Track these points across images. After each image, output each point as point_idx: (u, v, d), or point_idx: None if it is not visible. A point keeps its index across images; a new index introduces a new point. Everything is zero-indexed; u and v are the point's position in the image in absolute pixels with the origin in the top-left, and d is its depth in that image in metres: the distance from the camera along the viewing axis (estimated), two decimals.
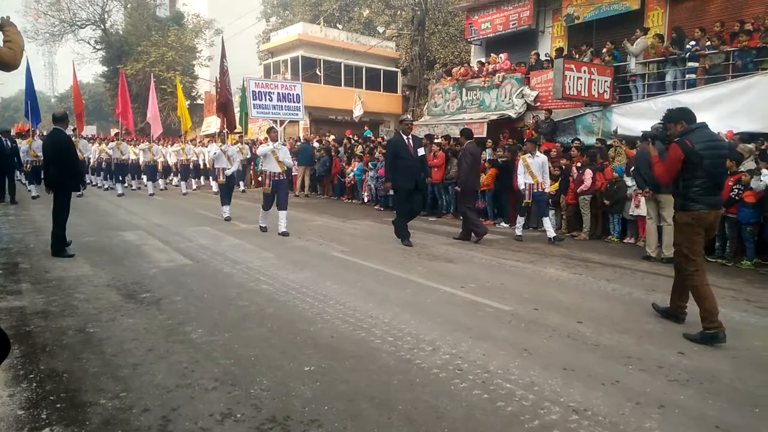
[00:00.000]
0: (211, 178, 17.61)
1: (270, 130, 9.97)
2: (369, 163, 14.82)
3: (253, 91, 11.39)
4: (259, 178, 16.74)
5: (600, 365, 3.77)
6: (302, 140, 19.10)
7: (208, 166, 17.22)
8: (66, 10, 34.51)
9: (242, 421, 2.90)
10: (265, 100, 12.21)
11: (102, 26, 35.56)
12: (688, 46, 11.22)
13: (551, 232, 9.12)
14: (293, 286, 5.69)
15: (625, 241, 9.32)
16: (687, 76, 11.21)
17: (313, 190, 17.78)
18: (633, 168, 8.51)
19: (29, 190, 14.76)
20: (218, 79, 14.64)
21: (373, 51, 26.78)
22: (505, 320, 4.79)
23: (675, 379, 3.57)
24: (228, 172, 11.14)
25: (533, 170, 9.08)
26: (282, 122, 14.29)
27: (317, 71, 25.60)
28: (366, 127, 22.70)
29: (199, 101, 35.72)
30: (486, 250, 8.36)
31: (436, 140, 13.34)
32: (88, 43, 36.42)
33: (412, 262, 7.28)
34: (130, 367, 3.54)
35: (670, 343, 4.26)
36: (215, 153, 11.64)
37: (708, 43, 10.92)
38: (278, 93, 13.10)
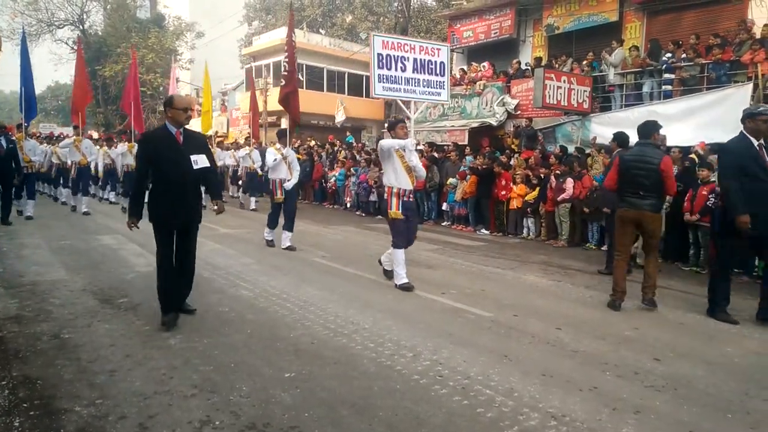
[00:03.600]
0: (238, 190, 16.01)
1: (280, 134, 8.74)
2: (351, 169, 14.82)
3: (379, 54, 6.78)
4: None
5: (578, 371, 3.82)
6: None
7: (259, 174, 14.40)
8: (44, 9, 33.94)
9: (221, 428, 2.87)
10: (397, 68, 7.02)
11: (80, 27, 35.04)
12: (664, 58, 11.48)
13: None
14: (274, 292, 5.66)
15: (603, 248, 9.44)
16: (663, 87, 11.46)
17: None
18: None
19: (19, 210, 10.99)
20: (285, 61, 9.85)
21: (355, 57, 26.83)
22: (485, 326, 4.82)
23: (651, 384, 3.63)
24: (288, 185, 8.37)
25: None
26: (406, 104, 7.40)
27: (299, 76, 25.53)
28: (348, 133, 22.69)
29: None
30: (467, 256, 8.41)
31: (419, 147, 13.39)
32: (66, 43, 35.82)
33: None
34: (107, 374, 3.48)
35: (646, 349, 4.33)
36: (275, 159, 8.31)
37: (683, 55, 11.18)
38: (415, 59, 7.23)
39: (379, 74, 6.59)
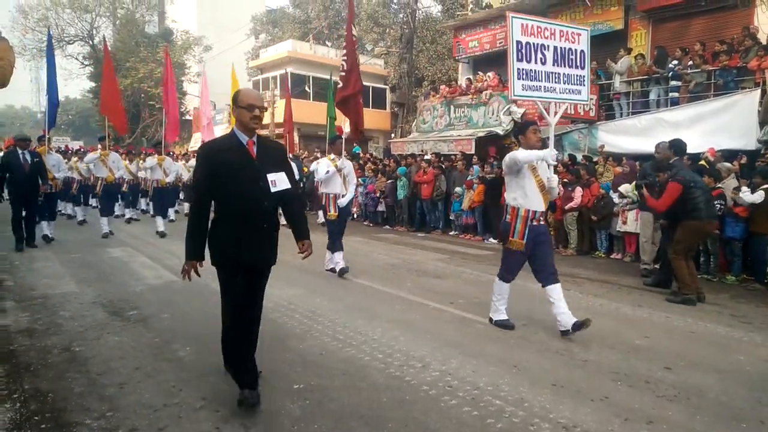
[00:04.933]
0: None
1: (335, 141, 7.93)
2: (359, 179, 14.85)
3: (518, 43, 5.46)
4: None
5: (589, 381, 3.79)
6: (292, 157, 19.11)
7: (316, 187, 12.82)
8: (54, 26, 34.45)
9: None
10: (536, 60, 5.64)
11: (90, 42, 35.51)
12: (670, 66, 11.46)
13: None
14: (282, 303, 5.67)
15: (612, 256, 9.40)
16: (670, 94, 11.43)
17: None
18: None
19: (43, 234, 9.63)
20: (343, 59, 8.22)
21: (362, 68, 26.92)
22: (494, 336, 4.80)
23: (662, 394, 3.59)
24: (343, 202, 7.32)
25: None
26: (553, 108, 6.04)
27: (306, 88, 25.72)
28: (355, 144, 22.78)
29: (187, 117, 35.66)
30: (475, 266, 8.38)
31: (426, 157, 13.43)
32: (76, 58, 36.32)
33: (401, 278, 7.28)
34: (117, 387, 3.50)
35: (656, 358, 4.29)
36: (328, 171, 7.28)
37: (690, 62, 11.16)
38: (555, 48, 5.78)
39: (518, 69, 5.34)
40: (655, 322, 5.42)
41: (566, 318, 4.72)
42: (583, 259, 9.31)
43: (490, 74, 15.43)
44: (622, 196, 8.78)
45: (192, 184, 3.47)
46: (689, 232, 6.25)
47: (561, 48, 5.65)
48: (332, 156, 7.64)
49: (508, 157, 4.90)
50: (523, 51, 5.38)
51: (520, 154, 4.82)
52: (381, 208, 13.68)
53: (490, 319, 5.17)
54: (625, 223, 8.95)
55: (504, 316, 5.11)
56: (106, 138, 10.99)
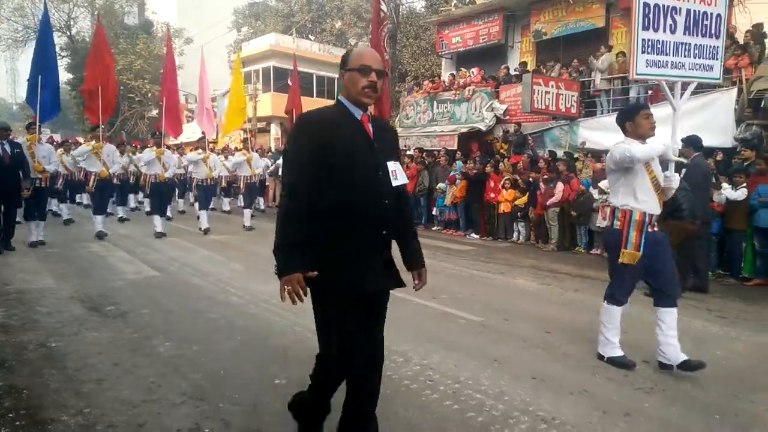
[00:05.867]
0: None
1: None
2: None
3: (645, 5, 4.29)
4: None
5: (568, 375, 3.84)
6: (274, 151, 18.98)
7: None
8: (30, 15, 33.71)
9: None
10: (665, 29, 4.40)
11: (68, 33, 34.84)
12: None
13: None
14: (264, 298, 5.64)
15: (591, 252, 9.51)
16: (649, 92, 11.57)
17: None
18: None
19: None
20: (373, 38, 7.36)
21: None
22: (476, 331, 4.83)
23: (640, 387, 3.65)
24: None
25: None
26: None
27: (289, 82, 25.55)
28: None
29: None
30: (457, 261, 8.43)
31: (408, 152, 13.44)
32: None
33: None
34: (95, 383, 3.44)
35: (636, 352, 4.35)
36: None
37: None
38: (688, 11, 4.49)
39: (643, 40, 4.36)
40: (633, 316, 5.49)
41: (673, 352, 3.89)
42: (563, 255, 9.41)
43: (474, 70, 15.49)
44: (601, 192, 8.89)
45: (286, 168, 2.37)
46: (671, 232, 6.26)
47: (695, 11, 4.58)
48: None
49: (617, 152, 3.94)
50: (651, 16, 4.39)
51: (635, 148, 3.85)
52: None
53: (601, 356, 4.12)
54: (605, 219, 9.03)
55: (619, 352, 4.08)
56: (99, 127, 9.96)
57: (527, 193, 10.45)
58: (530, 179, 10.50)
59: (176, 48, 35.74)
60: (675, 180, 4.09)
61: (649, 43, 4.45)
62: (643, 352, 4.32)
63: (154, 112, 31.93)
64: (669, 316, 3.93)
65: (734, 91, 9.72)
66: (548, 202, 9.79)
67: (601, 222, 9.19)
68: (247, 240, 9.64)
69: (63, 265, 7.10)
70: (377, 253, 2.40)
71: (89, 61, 10.51)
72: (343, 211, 2.28)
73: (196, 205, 11.98)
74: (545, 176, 10.07)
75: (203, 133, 13.22)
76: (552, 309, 5.71)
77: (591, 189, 9.49)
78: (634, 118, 4.05)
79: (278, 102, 24.31)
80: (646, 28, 4.40)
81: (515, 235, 10.77)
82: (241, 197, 13.94)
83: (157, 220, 9.92)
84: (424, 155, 13.28)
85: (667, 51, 4.52)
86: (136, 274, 6.67)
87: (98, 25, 11.64)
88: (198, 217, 10.84)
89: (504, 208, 10.76)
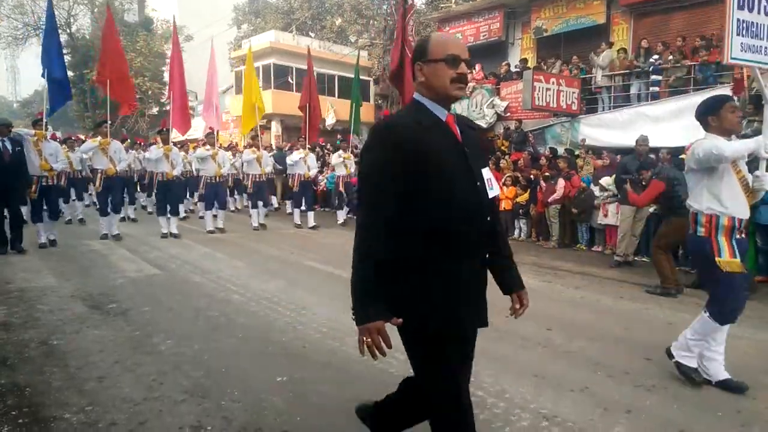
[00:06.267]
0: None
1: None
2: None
3: None
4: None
5: (569, 372, 3.83)
6: (275, 148, 18.95)
7: (336, 183, 12.91)
8: (30, 13, 33.67)
9: None
10: (758, 9, 3.90)
11: (68, 30, 34.77)
12: (651, 60, 11.59)
13: None
14: (264, 296, 5.64)
15: (593, 249, 9.50)
16: (651, 88, 11.58)
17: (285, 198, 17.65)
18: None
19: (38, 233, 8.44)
20: (398, 29, 7.16)
21: (345, 60, 26.85)
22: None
23: (641, 384, 3.65)
24: None
25: None
26: None
27: (289, 79, 25.53)
28: (339, 136, 22.70)
29: (169, 107, 35.15)
30: None
31: None
32: None
33: None
34: (96, 380, 3.45)
35: (636, 349, 4.35)
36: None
37: (670, 57, 11.30)
38: None
39: (738, 20, 3.94)
40: (635, 313, 5.50)
41: (716, 368, 3.64)
42: (564, 252, 9.40)
43: (477, 66, 15.46)
44: (602, 189, 8.88)
45: (362, 186, 1.96)
46: (673, 229, 6.31)
47: None
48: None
49: (701, 150, 3.53)
50: None
51: (724, 145, 3.45)
52: None
53: (712, 381, 3.67)
54: (606, 215, 9.04)
55: (726, 374, 3.64)
56: (107, 122, 9.41)
57: (528, 190, 10.43)
58: (531, 176, 10.48)
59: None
60: (766, 180, 3.61)
61: (744, 25, 4.02)
62: (644, 350, 4.32)
63: (155, 110, 31.93)
64: (721, 333, 3.62)
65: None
66: (549, 199, 9.77)
67: (602, 218, 9.20)
68: (250, 238, 9.64)
69: (64, 264, 7.10)
70: (478, 283, 2.11)
71: (104, 51, 10.03)
72: (439, 232, 1.90)
73: (200, 205, 11.72)
74: (546, 173, 10.05)
75: (211, 128, 12.63)
76: (553, 306, 5.70)
77: (592, 186, 9.48)
78: (718, 112, 3.63)
79: (279, 99, 24.24)
80: (741, 7, 3.97)
81: (516, 232, 10.76)
82: (245, 196, 13.36)
83: (163, 220, 9.57)
84: None
85: (762, 35, 4.10)
86: (137, 272, 6.68)
87: (108, 13, 11.21)
88: (202, 216, 10.58)
89: (505, 205, 10.74)
